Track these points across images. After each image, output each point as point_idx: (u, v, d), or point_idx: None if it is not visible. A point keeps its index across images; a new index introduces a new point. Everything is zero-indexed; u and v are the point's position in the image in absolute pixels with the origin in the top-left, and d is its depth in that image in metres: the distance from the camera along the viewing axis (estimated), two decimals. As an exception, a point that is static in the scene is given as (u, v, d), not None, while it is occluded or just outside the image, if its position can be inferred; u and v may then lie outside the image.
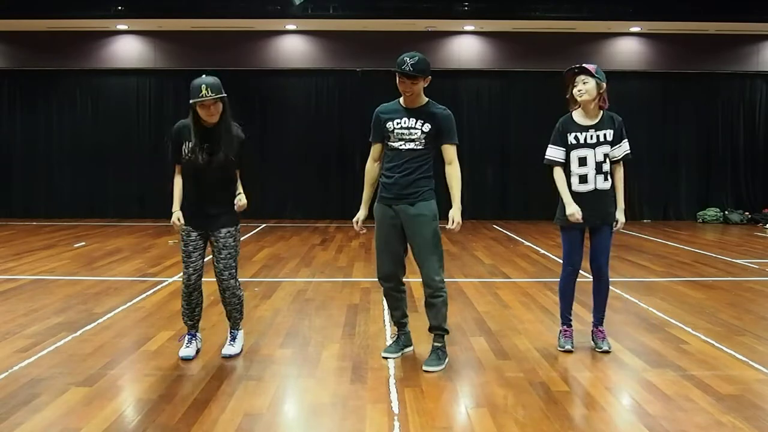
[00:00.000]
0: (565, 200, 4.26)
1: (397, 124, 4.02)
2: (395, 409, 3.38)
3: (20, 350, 4.30)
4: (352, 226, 4.30)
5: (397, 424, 3.20)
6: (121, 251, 8.91)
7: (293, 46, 13.77)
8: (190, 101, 3.90)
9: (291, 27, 13.50)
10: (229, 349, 4.27)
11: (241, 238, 9.68)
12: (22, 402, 3.41)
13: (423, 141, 4.00)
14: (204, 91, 3.84)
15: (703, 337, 4.74)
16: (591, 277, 4.42)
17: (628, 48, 13.87)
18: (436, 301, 4.06)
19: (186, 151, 4.04)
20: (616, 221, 4.32)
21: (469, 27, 13.58)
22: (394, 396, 3.57)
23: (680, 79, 13.96)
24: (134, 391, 3.70)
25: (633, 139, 4.38)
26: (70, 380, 3.75)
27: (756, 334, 4.86)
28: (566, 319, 4.46)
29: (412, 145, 4.00)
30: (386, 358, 4.20)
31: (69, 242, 9.80)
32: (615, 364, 4.16)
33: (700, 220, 13.83)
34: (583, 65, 4.21)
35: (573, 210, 4.21)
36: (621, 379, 3.91)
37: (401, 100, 4.09)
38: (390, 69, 4.04)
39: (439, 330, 4.13)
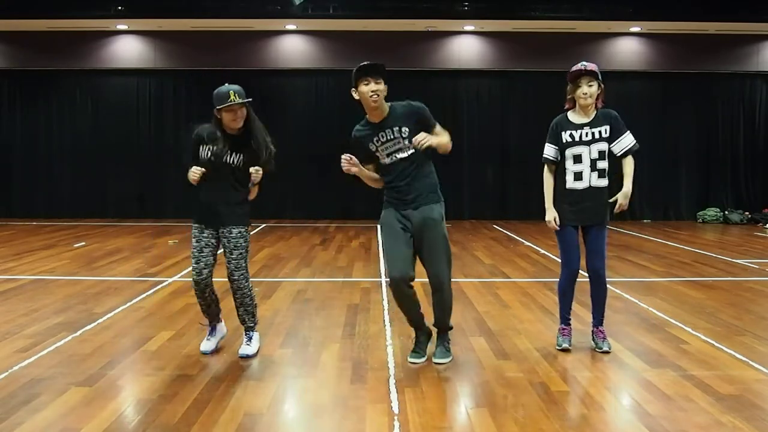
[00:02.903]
0: (546, 204, 4.33)
1: (378, 142, 3.98)
2: (395, 409, 3.38)
3: (20, 350, 4.30)
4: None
5: (397, 424, 3.20)
6: (121, 251, 8.91)
7: (293, 46, 13.77)
8: (217, 107, 3.99)
9: (291, 27, 13.50)
10: (245, 349, 4.27)
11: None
12: (22, 402, 3.41)
13: (409, 147, 3.96)
14: (232, 97, 3.95)
15: (703, 337, 4.74)
16: (588, 275, 4.42)
17: (628, 48, 13.87)
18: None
19: (206, 154, 4.08)
20: (616, 202, 4.24)
21: (469, 27, 13.58)
22: (394, 396, 3.57)
23: (680, 79, 13.97)
24: (134, 391, 3.70)
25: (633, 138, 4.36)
26: (70, 380, 3.75)
27: (756, 334, 4.86)
28: (565, 319, 4.47)
29: (402, 155, 3.98)
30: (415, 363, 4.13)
31: (69, 242, 9.80)
32: (615, 364, 4.16)
33: (700, 220, 13.83)
34: (589, 67, 4.18)
35: (551, 217, 4.30)
36: (621, 379, 3.91)
37: (368, 116, 4.04)
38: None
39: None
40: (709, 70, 13.94)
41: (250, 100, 4.07)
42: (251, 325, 4.33)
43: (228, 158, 4.08)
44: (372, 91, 3.90)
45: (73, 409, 3.34)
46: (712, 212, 13.82)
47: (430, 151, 4.02)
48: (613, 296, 6.17)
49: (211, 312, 4.33)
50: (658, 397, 3.56)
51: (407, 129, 3.95)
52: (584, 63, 4.22)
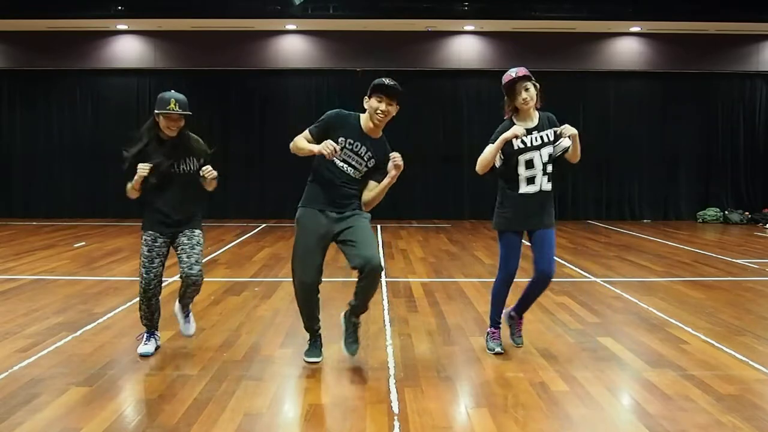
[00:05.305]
0: (498, 143, 4.17)
1: (349, 144, 3.94)
2: (395, 409, 3.39)
3: (20, 350, 4.30)
4: None
5: (397, 424, 3.20)
6: (121, 251, 8.91)
7: (293, 46, 13.76)
8: (156, 111, 4.08)
9: (291, 27, 13.49)
10: (190, 328, 4.48)
11: (241, 238, 9.65)
12: (22, 402, 3.41)
13: (362, 173, 3.98)
14: (172, 105, 4.03)
15: (703, 337, 4.74)
16: (534, 276, 4.33)
17: (628, 48, 13.86)
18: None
19: (152, 161, 4.15)
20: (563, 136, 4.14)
21: (469, 27, 13.57)
22: (394, 396, 3.57)
23: (680, 79, 13.95)
24: (134, 391, 3.70)
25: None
26: (70, 380, 3.75)
27: (756, 334, 4.87)
28: (495, 322, 4.46)
29: (352, 172, 3.97)
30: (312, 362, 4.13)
31: (69, 242, 9.80)
32: (615, 364, 4.16)
33: (700, 220, 13.83)
34: (521, 73, 4.10)
35: (514, 129, 4.12)
36: (621, 379, 3.91)
37: (362, 121, 3.99)
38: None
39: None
40: (709, 70, 13.93)
41: (190, 114, 4.13)
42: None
43: (178, 166, 4.17)
44: (381, 111, 3.87)
45: (73, 409, 3.34)
46: (712, 212, 13.81)
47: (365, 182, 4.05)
48: (614, 296, 6.17)
49: (155, 320, 4.38)
50: (658, 397, 3.56)
51: (374, 162, 3.97)
52: (513, 69, 4.13)
